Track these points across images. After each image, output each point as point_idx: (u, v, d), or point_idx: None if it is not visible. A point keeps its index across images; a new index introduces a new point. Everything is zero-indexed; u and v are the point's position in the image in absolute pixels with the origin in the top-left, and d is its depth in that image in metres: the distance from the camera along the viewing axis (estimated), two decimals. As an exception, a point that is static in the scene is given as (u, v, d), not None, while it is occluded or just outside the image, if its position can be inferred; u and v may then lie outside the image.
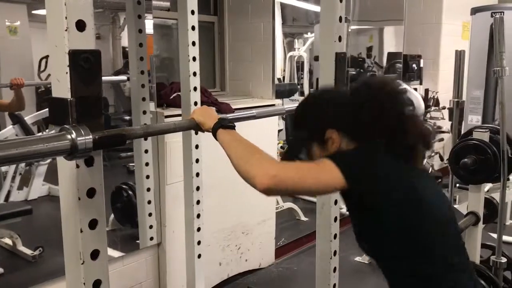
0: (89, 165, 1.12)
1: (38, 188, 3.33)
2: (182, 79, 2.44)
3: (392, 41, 6.02)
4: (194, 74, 2.40)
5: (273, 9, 3.31)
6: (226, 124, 1.30)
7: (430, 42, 5.56)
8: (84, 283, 1.15)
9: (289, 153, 1.42)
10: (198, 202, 2.54)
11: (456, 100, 2.56)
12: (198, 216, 2.55)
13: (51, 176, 3.33)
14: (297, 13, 5.61)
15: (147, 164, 2.80)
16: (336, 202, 2.06)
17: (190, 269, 2.60)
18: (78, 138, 1.01)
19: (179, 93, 2.78)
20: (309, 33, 5.59)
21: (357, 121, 1.27)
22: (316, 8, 5.34)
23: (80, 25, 1.06)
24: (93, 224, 1.14)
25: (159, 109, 2.77)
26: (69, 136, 1.01)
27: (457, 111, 2.55)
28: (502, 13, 4.06)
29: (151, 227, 2.84)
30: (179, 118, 2.52)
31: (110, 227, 3.06)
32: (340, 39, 1.94)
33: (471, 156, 2.38)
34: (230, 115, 1.44)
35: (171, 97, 2.81)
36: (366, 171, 1.20)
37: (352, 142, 1.30)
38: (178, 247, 2.78)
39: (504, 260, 2.51)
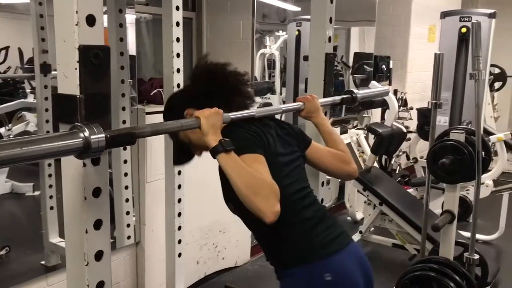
0: (95, 164, 1.09)
1: (1, 185, 3.21)
2: (165, 76, 2.40)
3: (358, 41, 6.12)
4: (178, 70, 2.38)
5: (253, 7, 3.30)
6: (228, 148, 1.33)
7: (399, 44, 5.69)
8: (87, 285, 1.12)
9: (175, 154, 1.72)
10: (179, 200, 2.51)
11: (434, 101, 2.63)
12: (179, 214, 2.52)
13: (14, 173, 3.22)
14: (268, 10, 5.61)
15: (125, 161, 2.75)
16: (322, 201, 2.08)
17: (170, 268, 2.57)
18: (92, 137, 0.98)
19: (159, 89, 2.75)
20: (280, 31, 5.60)
21: (197, 95, 1.56)
22: (289, 7, 5.36)
23: (90, 20, 1.03)
24: (98, 225, 1.12)
25: (140, 105, 2.72)
26: (81, 134, 0.98)
27: (435, 112, 2.63)
28: (470, 18, 4.21)
29: (128, 225, 2.79)
30: (161, 115, 2.48)
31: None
32: (330, 39, 1.97)
33: (449, 156, 2.45)
34: (231, 114, 1.43)
35: (152, 94, 2.76)
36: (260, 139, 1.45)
37: None
38: (157, 246, 2.75)
39: (476, 257, 2.60)
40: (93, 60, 1.03)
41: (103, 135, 1.00)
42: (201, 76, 1.62)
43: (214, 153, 1.34)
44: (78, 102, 1.02)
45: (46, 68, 2.88)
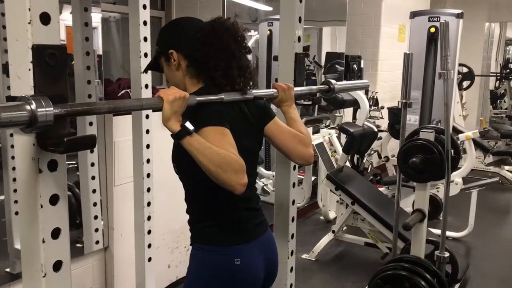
0: (52, 170, 1.04)
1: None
2: (132, 76, 2.35)
3: (330, 41, 6.14)
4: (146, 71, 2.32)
5: (223, 6, 3.26)
6: (191, 131, 1.31)
7: (369, 44, 5.72)
8: (45, 297, 1.06)
9: (148, 64, 1.71)
10: (149, 203, 2.46)
11: (404, 101, 2.64)
12: (149, 218, 2.47)
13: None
14: (239, 9, 5.58)
15: (92, 164, 2.67)
16: (293, 202, 2.06)
17: (140, 273, 2.51)
18: (39, 110, 0.92)
19: (127, 90, 2.69)
20: (252, 31, 5.57)
21: (193, 47, 1.49)
22: (261, 7, 5.34)
23: (45, 18, 0.98)
24: (56, 233, 1.06)
25: (107, 106, 2.64)
26: (28, 107, 0.92)
27: (405, 111, 2.64)
28: (438, 18, 4.27)
29: (96, 230, 2.72)
30: (129, 116, 2.42)
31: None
32: (299, 39, 1.94)
33: (419, 155, 2.47)
34: (197, 97, 1.38)
35: (119, 94, 2.69)
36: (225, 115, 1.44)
37: (189, 69, 1.52)
38: (126, 250, 2.68)
39: (447, 254, 2.63)
40: (49, 61, 0.98)
41: (52, 108, 0.94)
42: (208, 40, 1.49)
43: (178, 138, 1.32)
44: (33, 104, 0.96)
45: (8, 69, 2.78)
